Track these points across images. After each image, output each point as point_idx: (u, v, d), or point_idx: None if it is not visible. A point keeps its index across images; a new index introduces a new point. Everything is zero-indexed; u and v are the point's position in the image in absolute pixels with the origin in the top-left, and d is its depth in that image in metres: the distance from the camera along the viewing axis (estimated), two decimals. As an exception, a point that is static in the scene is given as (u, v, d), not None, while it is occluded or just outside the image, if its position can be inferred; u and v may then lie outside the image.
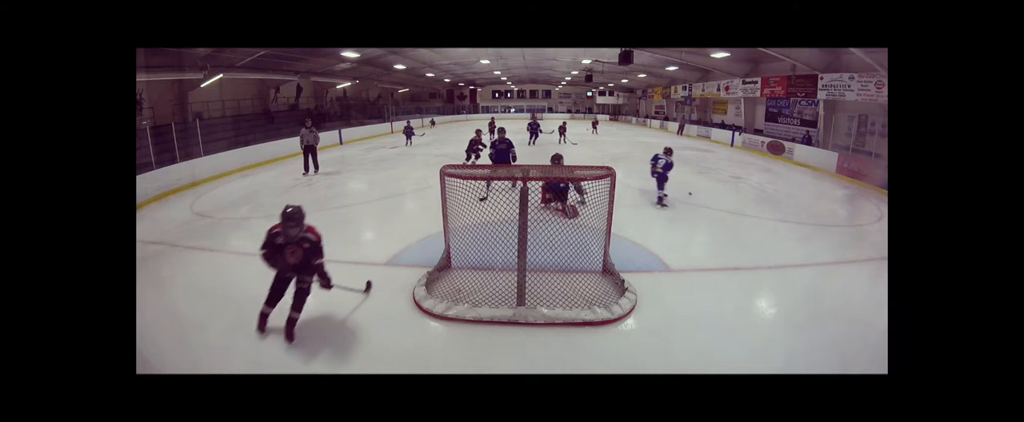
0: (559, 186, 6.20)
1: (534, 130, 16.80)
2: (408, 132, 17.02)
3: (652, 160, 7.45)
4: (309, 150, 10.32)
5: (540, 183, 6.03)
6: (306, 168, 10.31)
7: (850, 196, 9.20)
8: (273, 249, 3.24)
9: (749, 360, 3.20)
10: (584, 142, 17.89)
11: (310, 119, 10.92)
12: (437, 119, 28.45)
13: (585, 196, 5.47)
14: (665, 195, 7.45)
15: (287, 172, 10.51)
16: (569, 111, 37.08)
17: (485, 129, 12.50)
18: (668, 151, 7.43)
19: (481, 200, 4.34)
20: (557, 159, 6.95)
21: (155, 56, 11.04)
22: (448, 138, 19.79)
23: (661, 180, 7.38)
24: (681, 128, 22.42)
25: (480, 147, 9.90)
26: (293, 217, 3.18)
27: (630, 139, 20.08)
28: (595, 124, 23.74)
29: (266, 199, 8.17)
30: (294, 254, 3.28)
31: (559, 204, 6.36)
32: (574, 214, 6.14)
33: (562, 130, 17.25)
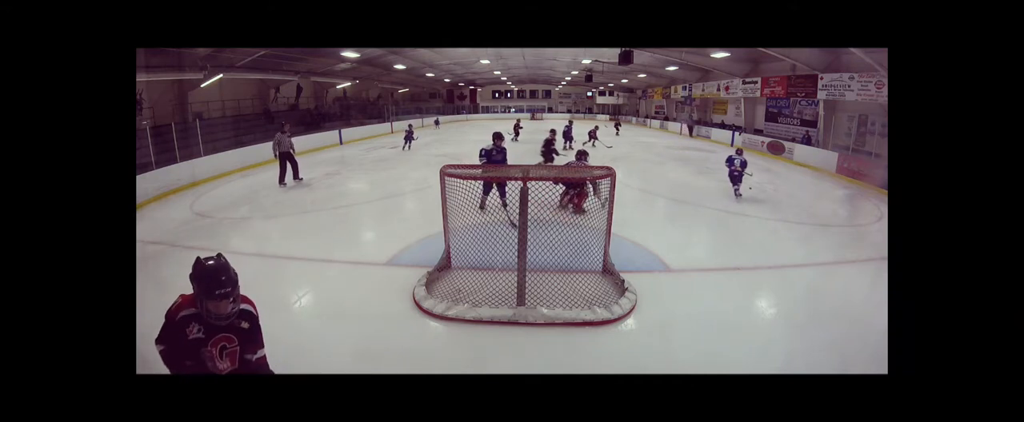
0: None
1: (568, 136, 15.33)
2: (408, 136, 15.80)
3: (728, 162, 8.21)
4: (285, 157, 9.09)
5: (560, 189, 6.09)
6: (282, 178, 9.04)
7: (850, 196, 9.20)
8: (183, 348, 1.77)
9: (749, 360, 3.20)
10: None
11: (287, 122, 9.89)
12: (441, 119, 28.21)
13: (602, 199, 5.49)
14: (750, 187, 8.45)
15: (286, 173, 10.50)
16: (569, 111, 37.06)
17: (557, 130, 11.78)
18: (739, 151, 8.37)
19: (513, 226, 4.44)
20: (582, 156, 6.84)
21: (155, 56, 11.04)
22: (448, 138, 19.81)
23: (739, 177, 8.15)
24: (691, 129, 21.60)
25: (556, 152, 9.96)
26: (222, 278, 1.72)
27: (630, 139, 20.07)
28: (618, 125, 22.85)
29: (266, 199, 8.16)
30: (228, 350, 1.81)
31: (573, 196, 6.38)
32: (579, 210, 6.22)
33: (593, 134, 16.38)
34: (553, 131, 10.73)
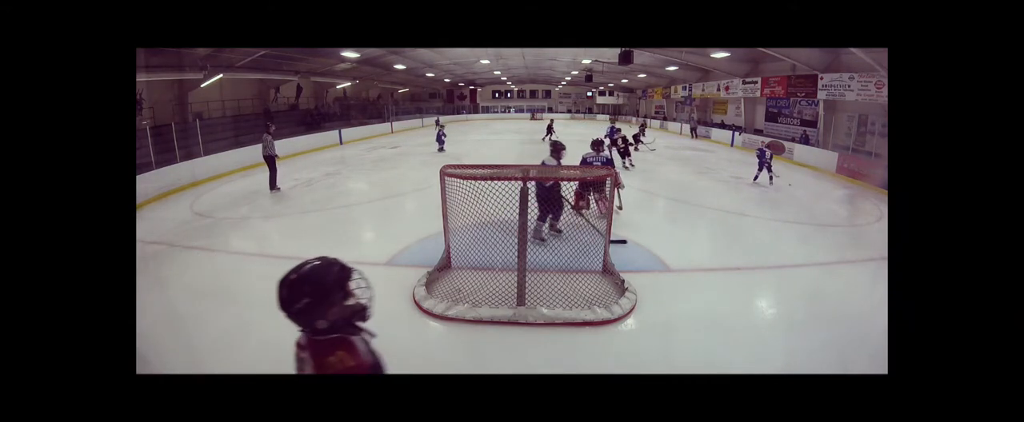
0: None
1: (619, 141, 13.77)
2: (440, 137, 15.16)
3: (760, 152, 9.75)
4: (268, 161, 8.58)
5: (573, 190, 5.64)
6: (272, 183, 8.61)
7: (850, 196, 9.21)
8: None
9: (749, 360, 3.20)
10: (583, 142, 17.63)
11: (272, 123, 9.24)
12: (443, 119, 27.97)
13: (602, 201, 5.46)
14: (789, 184, 9.79)
15: (286, 173, 10.50)
16: (569, 111, 37.06)
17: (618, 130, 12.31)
18: (765, 146, 10.11)
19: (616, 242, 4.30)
20: (597, 147, 6.54)
21: (155, 56, 11.05)
22: (448, 138, 19.80)
23: (767, 166, 9.58)
24: (694, 130, 21.12)
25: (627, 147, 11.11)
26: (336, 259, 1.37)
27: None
28: (644, 127, 21.91)
29: (266, 199, 8.17)
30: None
31: (595, 196, 6.21)
32: (587, 206, 6.12)
33: (638, 138, 15.19)
34: (617, 130, 12.17)
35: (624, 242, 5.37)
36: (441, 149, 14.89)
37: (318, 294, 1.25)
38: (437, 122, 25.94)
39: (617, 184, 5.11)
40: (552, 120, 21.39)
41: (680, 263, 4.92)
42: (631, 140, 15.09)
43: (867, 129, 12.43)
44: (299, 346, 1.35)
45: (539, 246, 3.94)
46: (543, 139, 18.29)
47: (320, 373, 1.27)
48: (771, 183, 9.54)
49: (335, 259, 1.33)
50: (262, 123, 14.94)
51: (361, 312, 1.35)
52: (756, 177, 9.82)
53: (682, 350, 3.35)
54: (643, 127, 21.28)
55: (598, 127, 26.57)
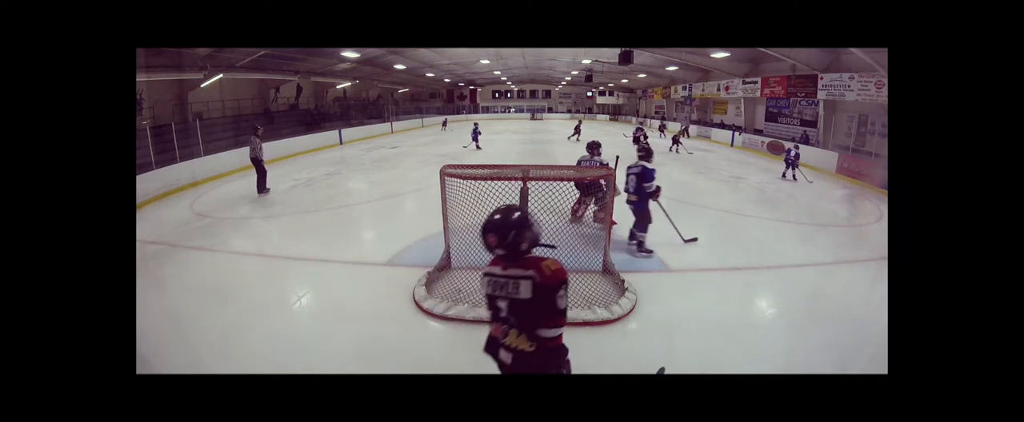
0: (590, 186, 5.66)
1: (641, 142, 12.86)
2: (475, 135, 15.38)
3: (786, 152, 10.86)
4: (255, 163, 8.35)
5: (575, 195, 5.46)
6: (260, 187, 8.40)
7: (850, 196, 9.21)
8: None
9: (749, 360, 3.20)
10: (577, 141, 17.75)
11: (259, 125, 9.06)
12: (448, 120, 27.64)
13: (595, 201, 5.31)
14: (810, 181, 10.27)
15: (286, 173, 10.50)
16: (569, 111, 37.06)
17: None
18: (793, 145, 11.39)
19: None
20: (593, 150, 6.14)
21: (155, 56, 11.05)
22: (448, 138, 19.80)
23: (792, 164, 10.48)
24: (686, 131, 20.88)
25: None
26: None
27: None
28: (664, 128, 21.02)
29: (266, 199, 8.16)
30: None
31: (592, 205, 5.97)
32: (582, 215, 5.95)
33: (677, 140, 15.49)
34: (638, 130, 12.48)
35: (696, 239, 5.56)
36: (478, 147, 15.03)
37: (518, 227, 1.69)
38: (444, 123, 25.75)
39: (614, 191, 4.92)
40: (581, 120, 21.65)
41: (680, 263, 4.92)
42: (672, 139, 15.46)
43: (867, 129, 12.43)
44: (492, 276, 1.73)
45: (538, 246, 3.91)
46: (576, 139, 18.37)
47: (540, 278, 1.63)
48: (795, 179, 10.26)
49: (509, 204, 1.87)
50: (261, 124, 14.99)
51: (539, 235, 1.78)
52: (784, 174, 10.56)
53: (682, 350, 3.35)
54: (662, 129, 20.99)
55: (598, 127, 26.70)
